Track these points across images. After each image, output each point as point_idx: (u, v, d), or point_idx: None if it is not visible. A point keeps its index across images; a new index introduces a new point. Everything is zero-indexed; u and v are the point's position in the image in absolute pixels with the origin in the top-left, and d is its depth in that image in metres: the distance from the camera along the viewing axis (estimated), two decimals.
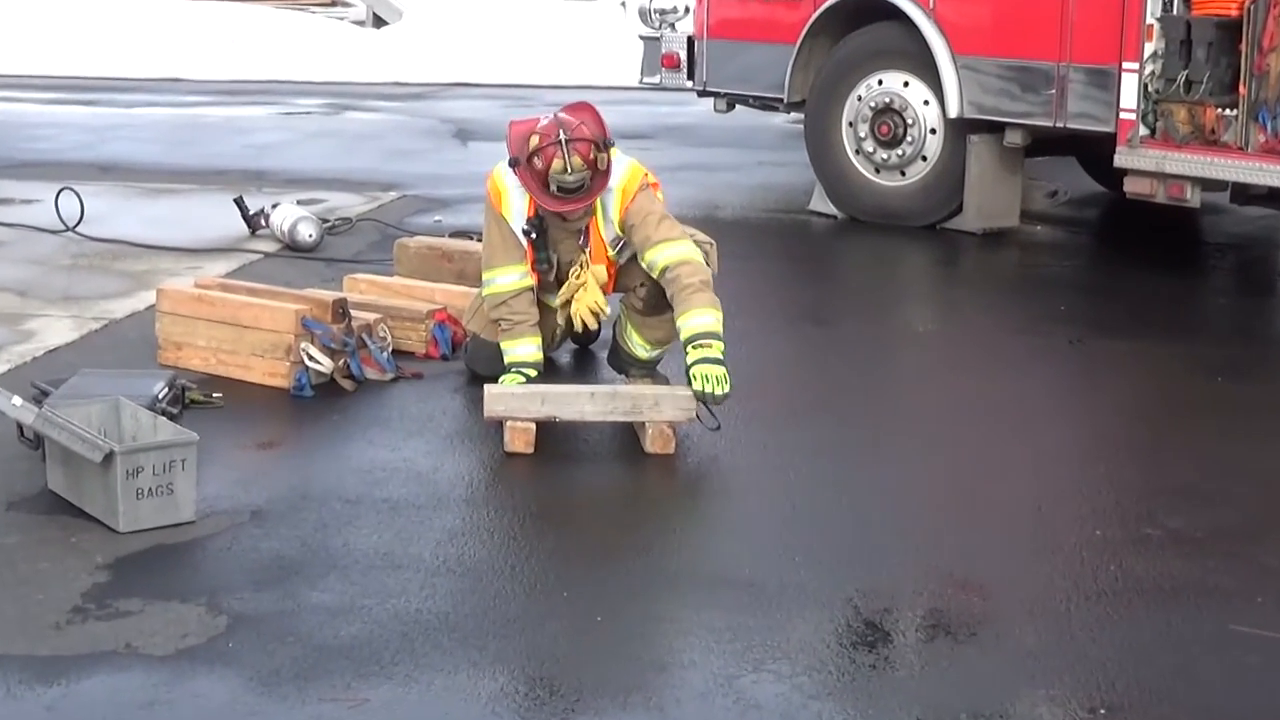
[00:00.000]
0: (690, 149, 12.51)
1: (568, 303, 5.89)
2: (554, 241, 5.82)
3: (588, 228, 5.79)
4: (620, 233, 5.77)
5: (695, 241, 5.99)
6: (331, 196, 10.06)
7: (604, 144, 5.58)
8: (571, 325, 6.13)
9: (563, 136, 5.52)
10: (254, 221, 8.75)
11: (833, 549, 4.61)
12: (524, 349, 5.80)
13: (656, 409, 5.38)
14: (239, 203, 8.86)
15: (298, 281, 7.27)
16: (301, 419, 5.79)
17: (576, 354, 6.60)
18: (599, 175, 5.59)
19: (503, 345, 5.84)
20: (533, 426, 5.36)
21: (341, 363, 6.04)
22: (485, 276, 5.89)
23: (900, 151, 9.36)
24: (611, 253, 5.82)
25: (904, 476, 5.30)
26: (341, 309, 6.11)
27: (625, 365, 6.06)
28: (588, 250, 5.81)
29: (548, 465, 5.29)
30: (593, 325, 5.84)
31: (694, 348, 5.44)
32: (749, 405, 5.87)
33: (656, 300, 5.82)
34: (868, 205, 9.57)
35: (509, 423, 5.36)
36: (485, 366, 6.02)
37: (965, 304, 8.01)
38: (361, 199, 10.05)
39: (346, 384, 6.02)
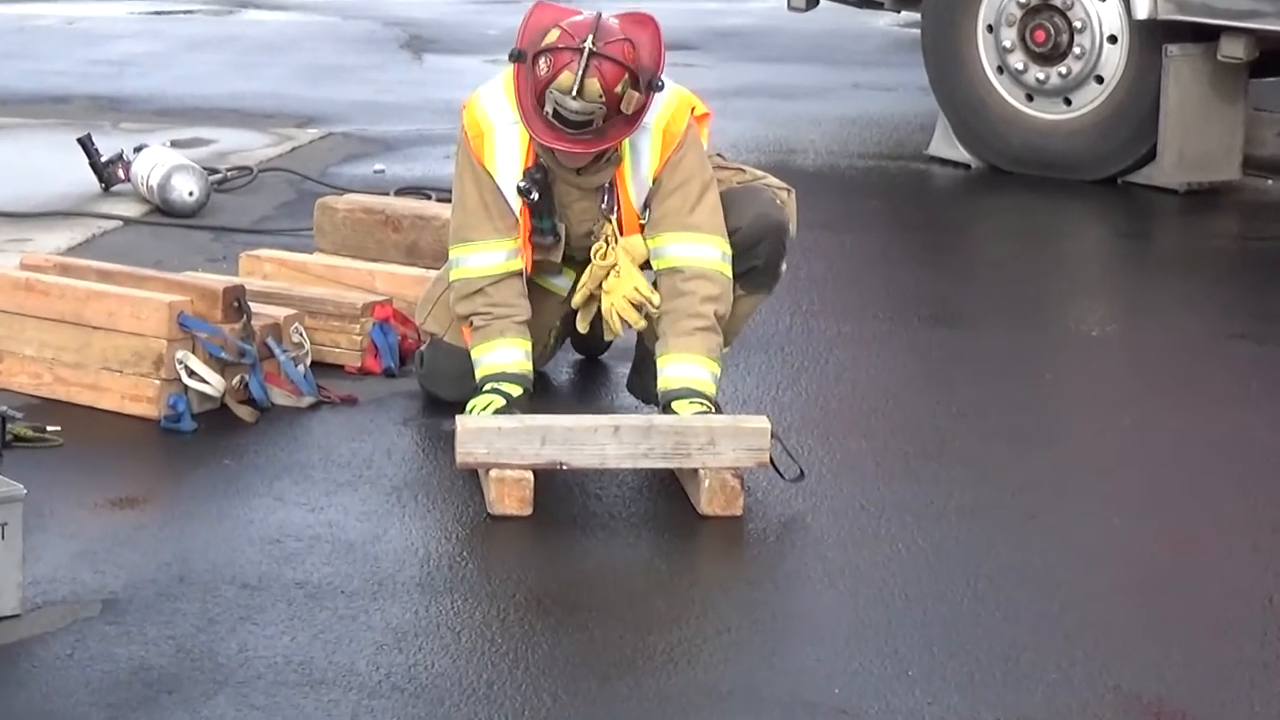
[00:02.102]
0: (752, 65, 12.51)
1: (594, 296, 5.87)
2: (562, 204, 5.84)
3: (613, 184, 5.81)
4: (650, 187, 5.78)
5: (766, 185, 5.99)
6: (222, 135, 10.09)
7: (648, 82, 5.58)
8: (573, 327, 6.13)
9: (589, 44, 5.53)
10: (108, 172, 8.78)
11: (962, 658, 4.61)
12: (504, 354, 5.77)
13: (712, 450, 5.35)
14: (86, 144, 8.88)
15: (172, 261, 7.30)
16: (178, 465, 5.81)
17: (581, 368, 6.62)
18: (619, 120, 5.59)
19: (474, 351, 5.84)
20: (529, 477, 5.33)
21: (237, 381, 6.07)
22: (453, 253, 5.90)
23: (1064, 69, 9.37)
24: (644, 219, 5.81)
25: (1068, 552, 5.30)
26: (237, 302, 6.14)
27: (656, 388, 6.04)
28: (615, 217, 5.81)
29: (546, 534, 5.29)
30: (635, 322, 5.81)
31: (676, 403, 5.58)
32: (842, 447, 5.86)
33: None
34: (1016, 149, 9.58)
35: (494, 472, 5.34)
36: (449, 386, 6.03)
37: (1160, 296, 8.00)
38: (267, 139, 10.08)
39: (244, 412, 6.05)
